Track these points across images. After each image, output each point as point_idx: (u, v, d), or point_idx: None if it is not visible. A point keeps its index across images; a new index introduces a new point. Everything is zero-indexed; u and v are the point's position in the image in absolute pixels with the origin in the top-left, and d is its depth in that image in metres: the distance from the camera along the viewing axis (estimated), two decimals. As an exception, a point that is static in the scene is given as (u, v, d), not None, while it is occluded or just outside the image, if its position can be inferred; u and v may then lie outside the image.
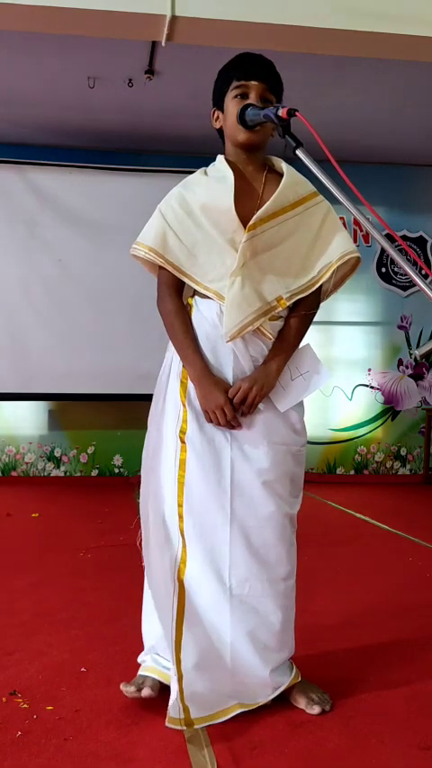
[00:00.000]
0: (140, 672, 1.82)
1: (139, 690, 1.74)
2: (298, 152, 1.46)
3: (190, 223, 1.72)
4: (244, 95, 1.70)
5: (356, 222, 6.09)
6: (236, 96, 1.71)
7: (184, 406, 1.72)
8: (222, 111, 1.77)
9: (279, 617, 1.73)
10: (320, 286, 1.77)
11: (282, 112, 1.51)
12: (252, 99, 1.69)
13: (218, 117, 1.80)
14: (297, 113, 1.47)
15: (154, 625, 1.79)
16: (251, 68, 1.71)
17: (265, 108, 1.61)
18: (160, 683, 1.77)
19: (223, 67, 1.76)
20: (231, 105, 1.72)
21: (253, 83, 1.70)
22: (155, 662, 1.81)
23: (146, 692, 1.73)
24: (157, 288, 1.80)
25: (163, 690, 1.74)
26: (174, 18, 3.16)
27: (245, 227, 1.68)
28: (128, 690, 1.75)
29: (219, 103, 1.78)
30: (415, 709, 1.78)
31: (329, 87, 4.64)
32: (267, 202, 1.70)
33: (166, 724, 1.63)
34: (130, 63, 4.38)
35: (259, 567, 1.71)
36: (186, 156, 5.30)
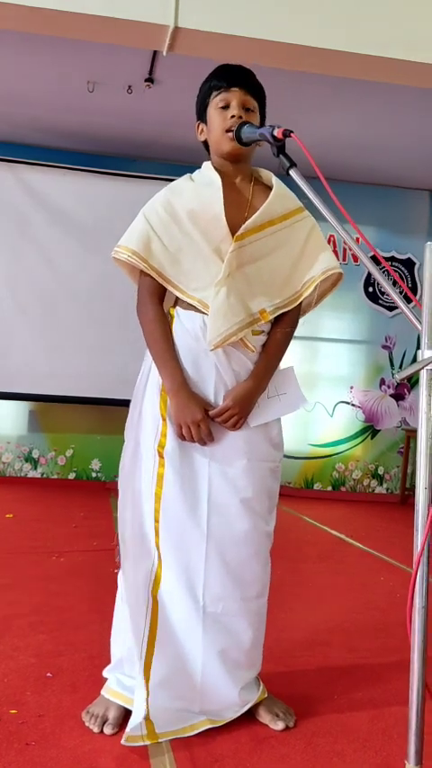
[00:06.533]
0: (104, 693, 1.77)
1: (102, 726, 1.68)
2: (291, 172, 1.48)
3: (175, 228, 1.69)
4: (225, 105, 1.71)
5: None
6: (217, 106, 1.71)
7: (163, 419, 1.68)
8: (206, 124, 1.77)
9: (250, 635, 1.72)
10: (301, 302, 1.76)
11: (277, 132, 1.51)
12: (234, 107, 1.69)
13: (202, 130, 1.80)
14: (292, 134, 1.49)
15: (124, 637, 1.74)
16: (230, 77, 1.72)
17: (261, 127, 1.61)
18: (124, 709, 1.71)
19: (204, 81, 1.77)
20: (214, 115, 1.72)
21: (233, 90, 1.70)
22: (119, 684, 1.75)
23: (108, 729, 1.67)
24: (137, 294, 1.75)
25: (127, 716, 1.68)
26: (176, 29, 3.19)
27: (232, 236, 1.66)
28: (91, 725, 1.69)
29: (202, 116, 1.78)
30: (378, 730, 1.79)
31: (324, 107, 4.69)
32: (256, 213, 1.68)
33: (123, 742, 1.59)
34: (130, 70, 4.40)
35: (233, 585, 1.69)
36: (182, 165, 5.28)
